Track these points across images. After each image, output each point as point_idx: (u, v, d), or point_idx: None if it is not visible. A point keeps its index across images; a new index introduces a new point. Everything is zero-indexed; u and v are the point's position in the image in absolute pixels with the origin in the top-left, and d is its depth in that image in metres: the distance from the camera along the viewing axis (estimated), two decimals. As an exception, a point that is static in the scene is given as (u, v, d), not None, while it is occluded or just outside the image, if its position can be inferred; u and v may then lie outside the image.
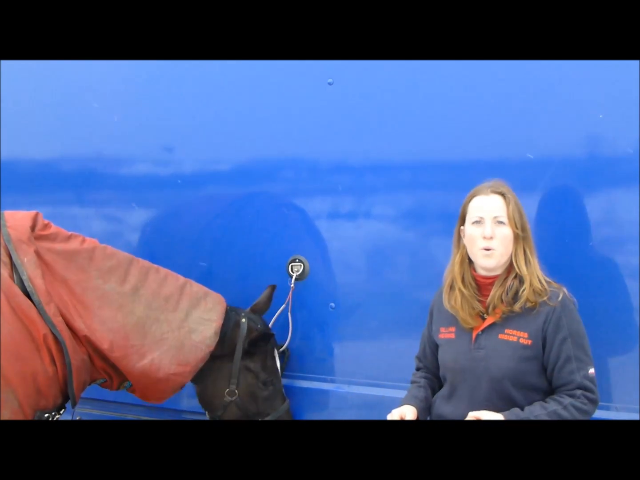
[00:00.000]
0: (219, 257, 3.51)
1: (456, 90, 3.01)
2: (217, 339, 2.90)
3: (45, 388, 2.58)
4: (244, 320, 3.04)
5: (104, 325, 2.69)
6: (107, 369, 2.76)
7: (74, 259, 2.72)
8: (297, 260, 3.31)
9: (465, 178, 2.99)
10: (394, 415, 2.39)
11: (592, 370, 2.31)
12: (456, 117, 3.00)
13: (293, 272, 3.30)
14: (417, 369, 2.68)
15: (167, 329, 2.81)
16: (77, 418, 3.54)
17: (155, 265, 2.93)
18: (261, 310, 3.18)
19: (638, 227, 2.68)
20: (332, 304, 3.27)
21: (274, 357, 3.13)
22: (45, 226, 2.76)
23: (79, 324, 2.63)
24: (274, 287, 3.23)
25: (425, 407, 2.51)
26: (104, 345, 2.67)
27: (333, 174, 3.32)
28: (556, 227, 2.87)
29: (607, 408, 2.73)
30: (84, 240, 2.81)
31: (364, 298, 3.16)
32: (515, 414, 2.24)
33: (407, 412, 2.40)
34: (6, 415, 2.48)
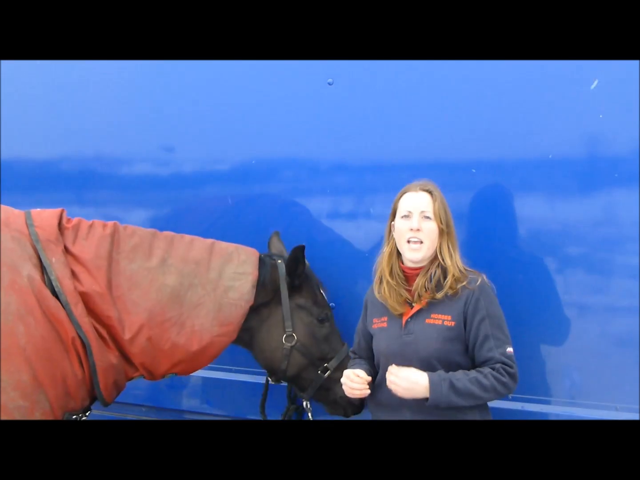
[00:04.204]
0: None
1: (456, 90, 3.01)
2: (255, 291, 2.84)
3: (74, 390, 2.59)
4: (280, 261, 2.98)
5: (138, 307, 2.67)
6: (146, 365, 2.72)
7: (101, 245, 2.70)
8: (297, 260, 3.30)
9: (465, 178, 3.01)
10: (348, 374, 2.55)
11: (509, 349, 2.46)
12: (456, 117, 3.01)
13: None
14: (353, 359, 2.80)
15: (202, 292, 2.77)
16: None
17: (180, 234, 2.90)
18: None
19: (638, 227, 2.68)
20: (332, 304, 3.27)
21: (322, 292, 3.05)
22: (68, 220, 2.78)
23: (114, 312, 2.62)
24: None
25: (370, 373, 2.62)
26: (141, 325, 2.64)
27: (333, 174, 3.32)
28: (555, 226, 2.88)
29: (607, 408, 2.73)
30: (105, 225, 2.79)
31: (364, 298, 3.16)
32: (438, 373, 2.40)
33: (359, 371, 2.56)
34: (37, 417, 2.49)
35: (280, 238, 3.22)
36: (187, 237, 2.90)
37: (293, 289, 2.95)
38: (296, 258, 2.91)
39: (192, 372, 2.94)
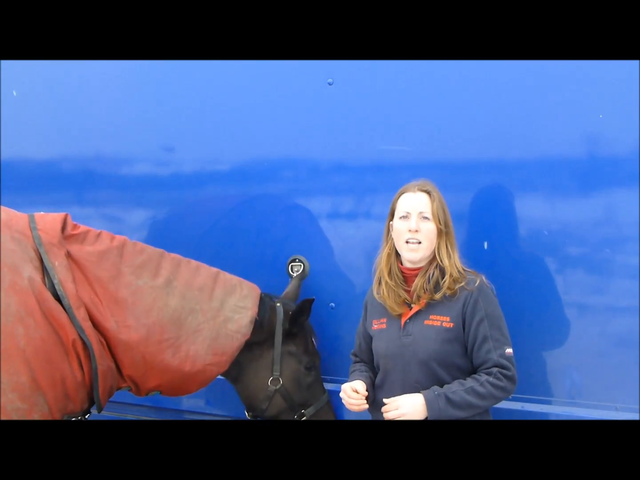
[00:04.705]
0: (219, 257, 3.51)
1: (456, 90, 3.01)
2: (252, 327, 2.87)
3: (73, 392, 2.58)
4: (279, 304, 3.02)
5: (139, 322, 2.67)
6: (134, 377, 2.72)
7: (105, 256, 2.70)
8: (297, 260, 3.31)
9: (465, 178, 3.01)
10: (346, 389, 2.53)
11: (508, 350, 2.45)
12: (456, 117, 3.00)
13: (293, 272, 3.30)
14: (354, 363, 2.80)
15: (202, 319, 2.79)
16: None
17: (186, 258, 2.92)
18: (292, 298, 3.19)
19: (638, 227, 2.68)
20: (332, 304, 3.27)
21: (313, 340, 3.09)
22: (74, 226, 2.77)
23: (111, 324, 2.61)
24: (302, 277, 3.26)
25: (371, 382, 2.63)
26: (138, 340, 2.64)
27: (333, 174, 3.32)
28: (555, 226, 2.88)
29: (607, 408, 2.74)
30: (113, 238, 2.79)
31: (364, 298, 3.16)
32: (433, 390, 2.39)
33: (357, 385, 2.54)
34: (36, 419, 2.48)
35: (299, 285, 3.25)
36: (194, 262, 2.92)
37: (288, 336, 2.99)
38: (303, 310, 2.97)
39: (176, 395, 2.95)
